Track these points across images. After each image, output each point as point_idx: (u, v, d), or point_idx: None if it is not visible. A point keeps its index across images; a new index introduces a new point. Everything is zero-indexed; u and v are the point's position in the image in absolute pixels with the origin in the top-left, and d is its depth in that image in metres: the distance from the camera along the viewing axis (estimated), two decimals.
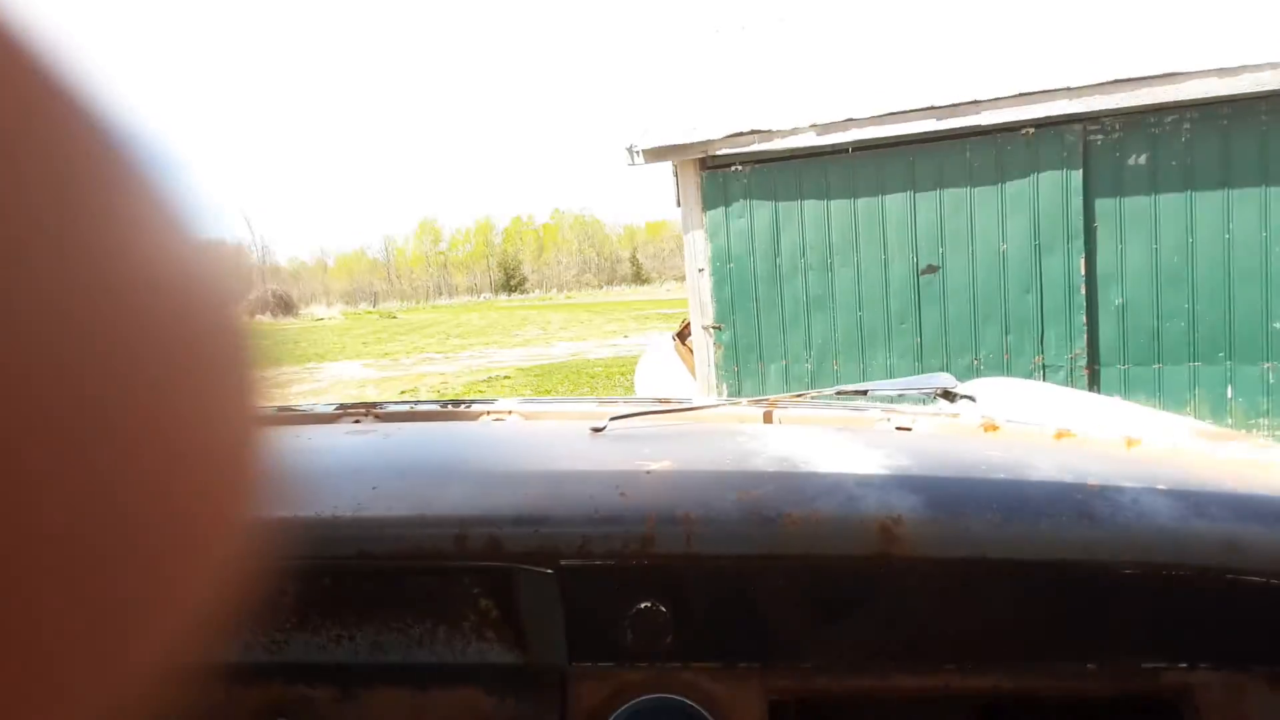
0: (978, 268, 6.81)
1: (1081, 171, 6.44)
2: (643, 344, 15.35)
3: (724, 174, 7.39)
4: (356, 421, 1.44)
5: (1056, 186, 6.50)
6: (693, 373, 7.95)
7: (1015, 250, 6.69)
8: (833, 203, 7.08)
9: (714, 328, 7.58)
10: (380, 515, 0.94)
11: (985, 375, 6.92)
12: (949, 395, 1.65)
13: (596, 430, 1.25)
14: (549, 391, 11.75)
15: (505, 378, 14.64)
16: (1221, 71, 5.98)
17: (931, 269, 6.90)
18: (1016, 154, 6.57)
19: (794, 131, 6.92)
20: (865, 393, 1.72)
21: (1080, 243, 6.53)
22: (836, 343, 7.24)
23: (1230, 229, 6.25)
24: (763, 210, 7.30)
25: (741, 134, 7.11)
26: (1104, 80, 6.18)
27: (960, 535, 0.91)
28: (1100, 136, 6.41)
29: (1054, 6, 7.43)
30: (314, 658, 0.95)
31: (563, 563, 0.92)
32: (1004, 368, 6.85)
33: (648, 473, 1.04)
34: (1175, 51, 6.26)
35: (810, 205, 7.15)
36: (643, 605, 0.92)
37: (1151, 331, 6.52)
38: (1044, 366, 6.73)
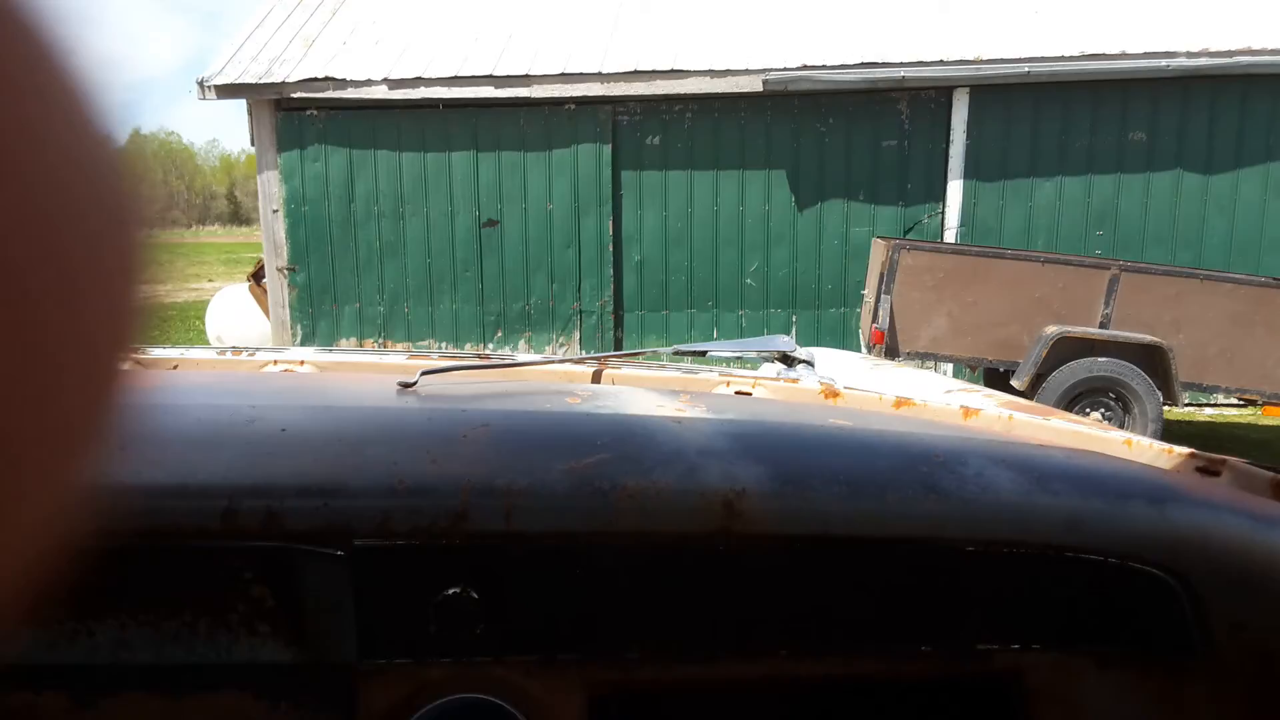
0: (530, 224, 7.81)
1: (611, 146, 7.68)
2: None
3: (300, 117, 7.57)
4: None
5: (592, 157, 7.69)
6: (267, 314, 8.07)
7: (560, 210, 7.79)
8: (404, 155, 7.63)
9: (288, 269, 7.78)
10: (129, 483, 0.79)
11: (535, 318, 8.02)
12: (788, 359, 1.59)
13: (405, 386, 1.10)
14: None
15: None
16: (712, 73, 7.50)
17: (492, 223, 7.77)
18: (561, 126, 7.64)
19: (367, 83, 7.33)
20: (704, 353, 1.66)
21: (609, 207, 7.80)
22: (408, 287, 7.85)
23: (718, 202, 7.89)
24: (338, 156, 7.62)
25: (317, 80, 7.36)
26: (627, 70, 7.42)
27: (806, 510, 0.87)
28: (626, 118, 7.69)
29: (596, 3, 8.59)
30: (41, 658, 0.80)
31: (356, 543, 0.81)
32: (549, 312, 7.98)
33: (463, 437, 0.93)
34: (682, 52, 7.70)
35: (384, 155, 7.63)
36: (450, 591, 0.82)
37: (662, 284, 8.03)
38: (581, 311, 7.97)
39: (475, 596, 0.83)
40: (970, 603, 0.90)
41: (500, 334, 8.02)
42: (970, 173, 7.79)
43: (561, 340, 8.06)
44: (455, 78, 7.38)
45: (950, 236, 7.81)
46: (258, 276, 8.28)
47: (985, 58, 7.48)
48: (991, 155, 7.73)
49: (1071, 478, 0.95)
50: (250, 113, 7.91)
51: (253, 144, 8.01)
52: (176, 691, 0.81)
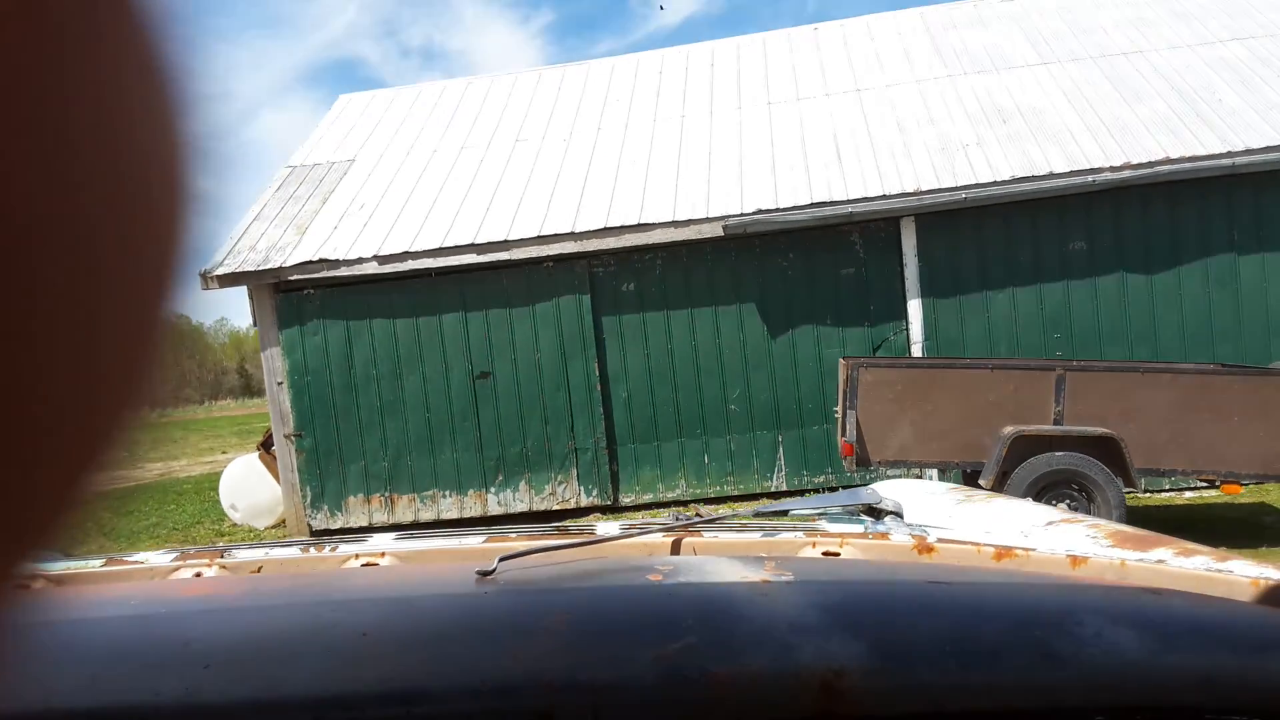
0: (520, 373, 8.32)
1: (590, 296, 8.28)
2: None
3: (298, 296, 8.22)
4: (198, 575, 1.24)
5: (573, 307, 8.28)
6: (277, 479, 8.47)
7: (547, 358, 8.32)
8: (398, 321, 8.23)
9: (295, 435, 8.24)
10: (213, 701, 0.79)
11: (533, 460, 8.41)
12: (874, 511, 1.53)
13: (484, 575, 1.08)
14: (129, 516, 11.27)
15: None
16: (676, 224, 8.18)
17: (485, 375, 8.28)
18: (541, 282, 8.27)
19: (359, 261, 8.01)
20: (786, 513, 1.61)
21: (594, 350, 8.33)
22: (409, 442, 8.29)
23: (695, 337, 8.42)
24: (336, 328, 8.22)
25: (312, 262, 8.05)
26: (598, 228, 8.11)
27: (911, 687, 0.82)
28: (601, 269, 8.33)
29: (566, 168, 9.40)
30: None
31: None
32: (546, 453, 8.37)
33: (545, 629, 0.90)
34: (648, 205, 8.41)
35: (378, 323, 8.23)
36: None
37: (650, 417, 8.45)
38: (576, 449, 8.36)
39: None
40: None
41: (501, 477, 8.39)
42: (927, 291, 8.33)
43: (560, 478, 8.41)
44: (440, 249, 8.08)
45: (917, 351, 8.27)
46: (267, 445, 8.74)
47: (924, 189, 8.15)
48: (944, 274, 8.29)
49: (1199, 631, 0.90)
50: (251, 296, 8.58)
51: (255, 324, 8.65)
52: None
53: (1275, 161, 7.79)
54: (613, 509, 8.40)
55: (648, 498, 8.49)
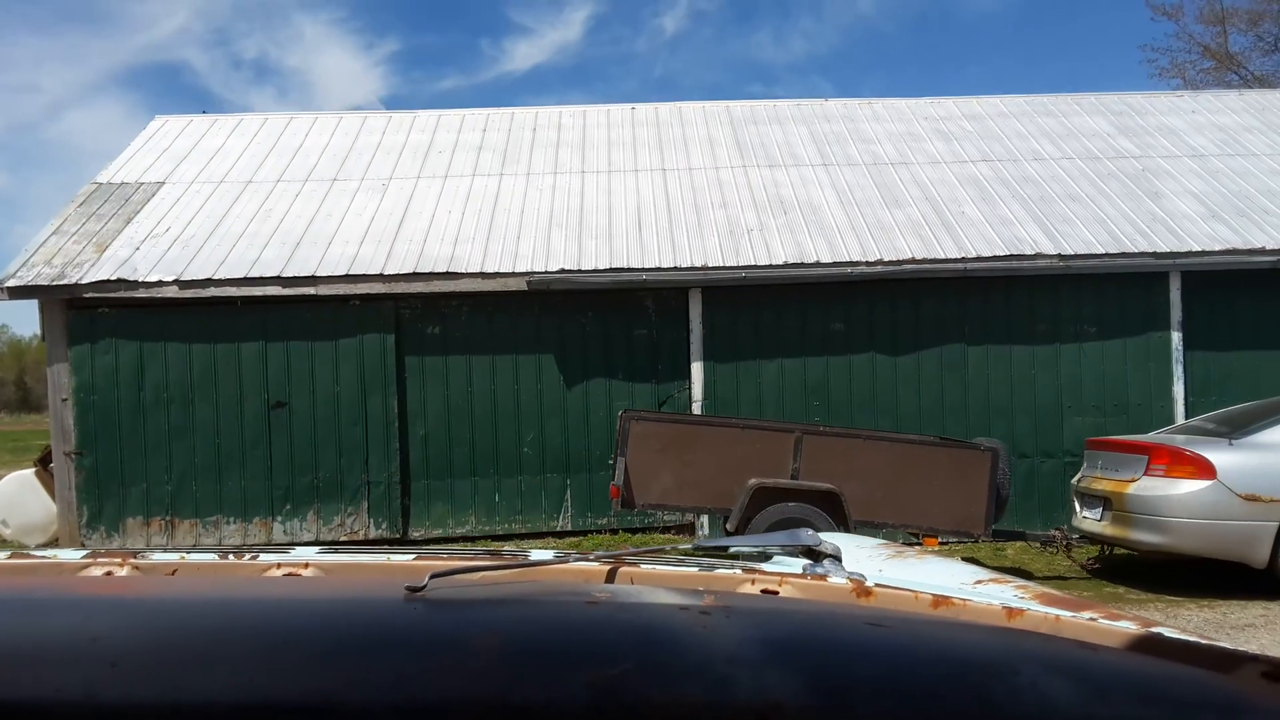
0: (318, 405, 8.55)
1: (394, 336, 8.66)
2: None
3: (91, 314, 8.16)
4: (108, 574, 1.20)
5: (377, 345, 8.63)
6: (53, 497, 8.25)
7: (346, 392, 8.60)
8: (194, 345, 8.30)
9: (75, 453, 8.08)
10: (115, 701, 0.76)
11: (324, 490, 8.60)
12: (813, 554, 1.54)
13: (414, 591, 1.05)
14: None
15: None
16: (483, 275, 8.73)
17: (280, 405, 8.45)
18: (347, 319, 8.58)
19: (159, 284, 8.07)
20: (725, 549, 1.61)
21: (394, 388, 8.68)
22: (196, 467, 8.31)
23: (495, 382, 8.94)
24: (128, 348, 8.20)
25: (109, 282, 8.02)
26: (408, 272, 8.54)
27: None
28: (408, 311, 8.74)
29: (382, 211, 9.77)
30: None
31: None
32: (339, 484, 8.60)
33: (476, 647, 0.89)
34: (457, 255, 8.92)
35: (174, 347, 8.27)
36: None
37: (446, 455, 8.86)
38: (369, 482, 8.64)
39: None
40: None
41: (289, 506, 8.52)
42: (708, 355, 9.25)
43: (350, 510, 8.63)
44: (245, 279, 8.26)
45: (696, 408, 9.14)
46: (45, 461, 8.47)
47: (711, 265, 9.11)
48: (723, 341, 9.24)
49: (1133, 686, 0.91)
50: (42, 310, 8.42)
51: (44, 338, 8.46)
52: None
53: (999, 269, 9.25)
54: (401, 541, 8.69)
55: (437, 532, 8.85)
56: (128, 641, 0.88)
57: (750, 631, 0.97)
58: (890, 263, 9.23)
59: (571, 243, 9.36)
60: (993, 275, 9.31)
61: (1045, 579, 7.53)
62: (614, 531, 9.09)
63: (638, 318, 9.20)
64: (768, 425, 7.34)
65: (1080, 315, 9.41)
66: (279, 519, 8.44)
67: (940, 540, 7.59)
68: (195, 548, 1.71)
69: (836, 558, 1.52)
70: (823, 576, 1.30)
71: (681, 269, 9.08)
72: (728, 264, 9.15)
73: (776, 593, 1.23)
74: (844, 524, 6.89)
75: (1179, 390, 9.44)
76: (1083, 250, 9.27)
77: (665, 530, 9.14)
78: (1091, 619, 1.16)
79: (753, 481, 6.91)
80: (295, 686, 0.79)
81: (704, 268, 9.11)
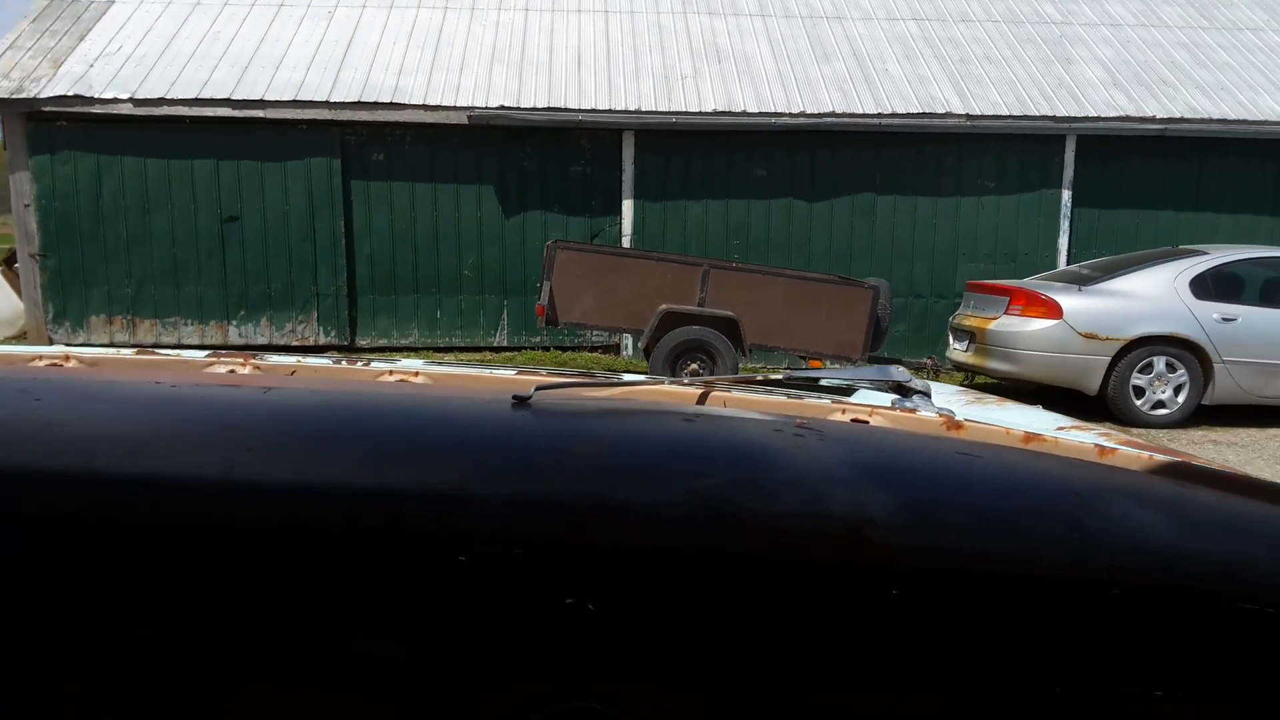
0: (269, 222, 9.17)
1: (340, 161, 9.21)
2: None
3: (50, 127, 8.59)
4: (231, 371, 1.28)
5: (324, 169, 9.18)
6: (18, 295, 8.90)
7: (296, 211, 9.21)
8: (149, 160, 8.79)
9: (40, 255, 8.68)
10: (255, 480, 0.81)
11: (276, 300, 9.34)
12: (902, 389, 1.55)
13: (520, 400, 1.08)
14: None
15: None
16: (426, 107, 9.21)
17: (233, 219, 9.05)
18: (295, 143, 9.08)
19: (114, 101, 8.47)
20: (816, 380, 1.64)
21: (341, 209, 9.31)
22: (154, 273, 8.97)
23: (437, 209, 9.59)
24: (86, 160, 8.67)
25: (66, 97, 8.41)
26: (352, 100, 8.99)
27: (939, 544, 0.83)
28: (353, 138, 9.25)
29: (329, 37, 10.05)
30: (158, 645, 0.77)
31: (477, 549, 0.79)
32: (290, 295, 9.34)
33: (582, 452, 0.92)
34: (401, 86, 9.35)
35: (130, 161, 8.76)
36: (567, 602, 0.79)
37: (390, 273, 9.60)
38: (318, 294, 9.39)
39: (591, 610, 0.79)
40: (1113, 647, 0.82)
41: (243, 312, 9.29)
42: (639, 194, 9.94)
43: (300, 318, 9.43)
44: (196, 99, 8.67)
45: (626, 243, 9.91)
46: (9, 262, 9.04)
47: (645, 109, 9.66)
48: (654, 182, 9.92)
49: (1227, 522, 0.92)
50: (1, 121, 8.77)
51: (4, 147, 8.86)
52: (289, 681, 0.79)
53: (912, 125, 9.94)
54: (350, 349, 9.56)
55: (383, 342, 9.71)
56: (259, 430, 0.93)
57: (843, 453, 0.99)
58: (812, 115, 9.86)
59: (513, 79, 9.80)
60: (906, 131, 10.00)
61: None
62: (546, 349, 10.02)
63: (574, 155, 9.80)
64: (678, 258, 8.17)
65: (982, 171, 10.21)
66: (234, 323, 9.20)
67: (824, 363, 8.66)
68: (310, 355, 1.54)
69: (926, 394, 1.54)
70: (912, 410, 1.29)
71: (616, 111, 9.62)
72: (660, 109, 9.71)
73: (866, 422, 1.22)
74: (740, 346, 7.86)
75: (1063, 242, 10.41)
76: (989, 111, 9.96)
77: (593, 350, 10.10)
78: (1184, 461, 1.14)
79: (663, 306, 7.79)
80: (422, 475, 0.84)
81: (638, 111, 9.66)
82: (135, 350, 1.31)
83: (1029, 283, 8.67)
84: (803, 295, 8.01)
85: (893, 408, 1.29)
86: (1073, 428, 1.48)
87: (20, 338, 9.14)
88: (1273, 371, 7.52)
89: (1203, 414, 7.59)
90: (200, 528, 0.77)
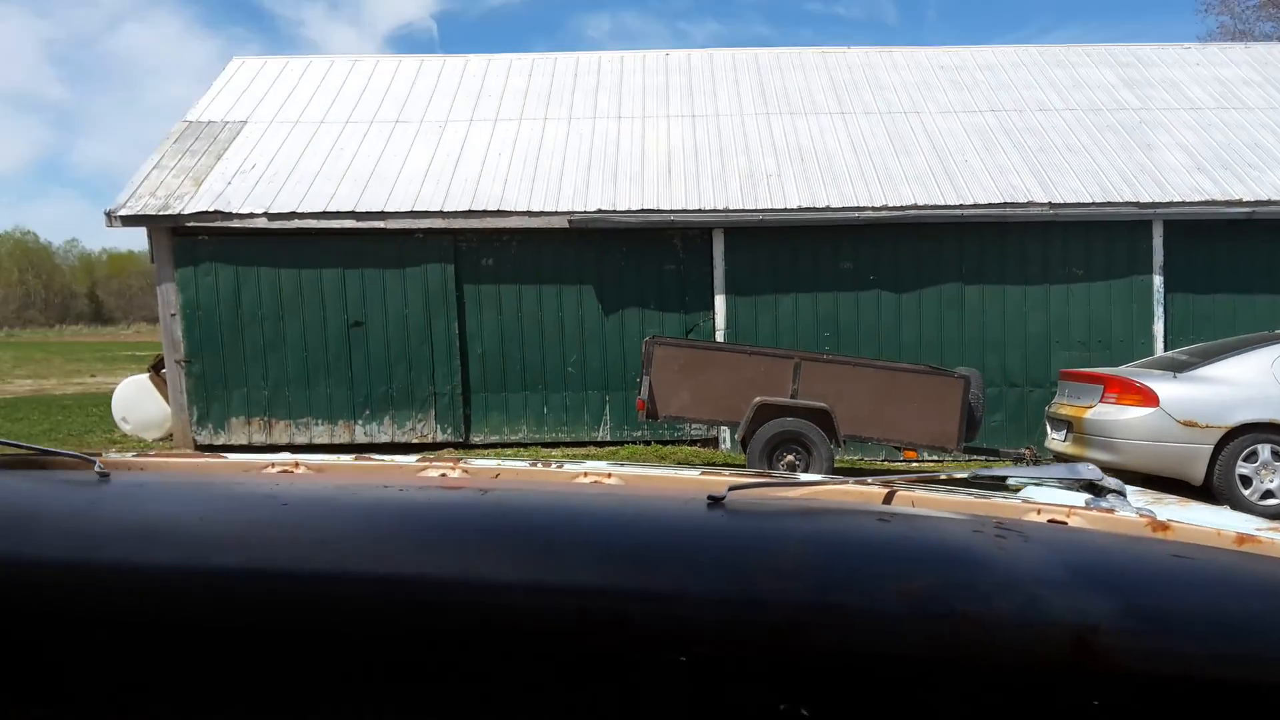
0: (390, 325, 9.91)
1: (454, 266, 9.94)
2: (112, 382, 15.90)
3: (193, 240, 9.57)
4: (443, 475, 1.32)
5: (439, 274, 9.92)
6: (166, 399, 9.77)
7: (414, 315, 9.94)
8: (282, 270, 9.66)
9: (185, 361, 9.56)
10: (487, 579, 0.85)
11: (397, 399, 10.00)
12: (1095, 489, 1.44)
13: (715, 500, 1.07)
14: (21, 423, 12.10)
15: None
16: (530, 213, 9.92)
17: (358, 324, 9.82)
18: (413, 250, 9.86)
19: (250, 216, 9.41)
20: (1004, 479, 1.58)
21: (455, 311, 10.01)
22: (288, 376, 9.76)
23: (541, 309, 10.21)
24: (226, 271, 9.60)
25: (207, 213, 9.39)
26: (464, 209, 9.76)
27: (1169, 652, 0.79)
28: (465, 244, 10.00)
29: (440, 151, 10.94)
30: None
31: (696, 650, 0.79)
32: (409, 394, 10.01)
33: (784, 553, 0.91)
34: (507, 195, 10.10)
35: (265, 271, 9.65)
36: (782, 707, 0.78)
37: (500, 371, 10.21)
38: (435, 393, 10.04)
39: (806, 715, 0.77)
40: None
41: (368, 411, 9.99)
42: (730, 289, 10.40)
43: (420, 416, 10.07)
44: (324, 212, 9.55)
45: (720, 336, 10.34)
46: (157, 368, 9.96)
47: (732, 208, 10.20)
48: (744, 277, 10.38)
49: None
50: (150, 236, 9.80)
51: (153, 261, 9.87)
52: None
53: (994, 215, 10.22)
54: (465, 445, 10.13)
55: (495, 438, 10.27)
56: (486, 531, 0.97)
57: (1051, 555, 0.95)
58: (894, 208, 10.23)
59: (608, 183, 10.47)
60: (988, 221, 10.26)
61: None
62: (647, 443, 10.42)
63: (667, 254, 10.35)
64: (771, 351, 8.53)
65: (1068, 259, 10.37)
66: (359, 422, 9.90)
67: (918, 454, 8.81)
68: (507, 459, 1.95)
69: (1121, 493, 1.45)
70: (1109, 510, 1.25)
71: (705, 210, 10.17)
72: (746, 207, 10.22)
73: (1064, 523, 1.18)
74: (834, 437, 8.12)
75: (1159, 329, 10.42)
76: (1072, 199, 10.18)
77: (692, 443, 10.46)
78: None
79: (757, 399, 8.14)
80: (639, 576, 0.86)
81: (725, 210, 10.19)
82: (354, 457, 1.41)
83: (1124, 370, 8.73)
84: (893, 386, 8.25)
85: (1088, 508, 1.26)
86: (1269, 529, 1.41)
87: (167, 439, 9.98)
88: None
89: None
90: (436, 629, 0.82)
